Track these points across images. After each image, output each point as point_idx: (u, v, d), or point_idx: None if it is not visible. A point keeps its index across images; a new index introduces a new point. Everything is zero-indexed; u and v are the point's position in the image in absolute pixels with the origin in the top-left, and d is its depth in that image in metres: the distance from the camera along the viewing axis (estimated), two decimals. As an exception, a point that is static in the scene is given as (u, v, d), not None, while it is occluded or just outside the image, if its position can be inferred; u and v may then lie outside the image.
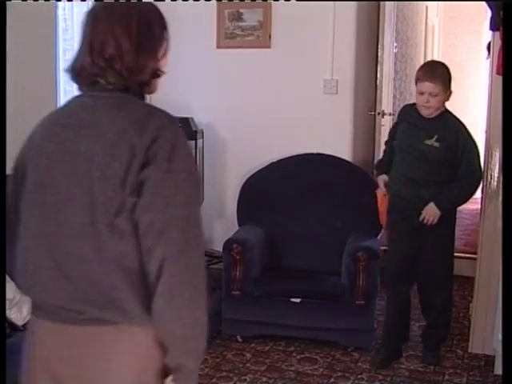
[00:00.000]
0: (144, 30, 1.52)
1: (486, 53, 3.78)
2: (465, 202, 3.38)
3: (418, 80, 3.23)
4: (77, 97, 1.54)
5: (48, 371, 1.48)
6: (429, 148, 3.22)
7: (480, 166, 3.28)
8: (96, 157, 1.39)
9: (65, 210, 1.42)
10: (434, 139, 3.21)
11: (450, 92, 3.24)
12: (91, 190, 1.39)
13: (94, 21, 1.49)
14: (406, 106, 3.57)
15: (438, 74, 3.19)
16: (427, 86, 3.16)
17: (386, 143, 3.61)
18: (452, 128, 3.26)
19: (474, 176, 3.27)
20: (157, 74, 1.56)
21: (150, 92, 1.57)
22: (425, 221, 3.25)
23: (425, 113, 3.25)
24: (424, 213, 3.24)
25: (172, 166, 1.37)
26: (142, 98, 1.53)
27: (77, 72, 1.50)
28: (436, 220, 3.24)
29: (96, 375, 1.43)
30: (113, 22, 1.47)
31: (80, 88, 1.52)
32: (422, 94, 3.20)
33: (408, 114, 3.38)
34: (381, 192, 3.49)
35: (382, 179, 3.47)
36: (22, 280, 1.55)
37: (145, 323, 1.39)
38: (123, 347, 1.42)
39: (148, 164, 1.36)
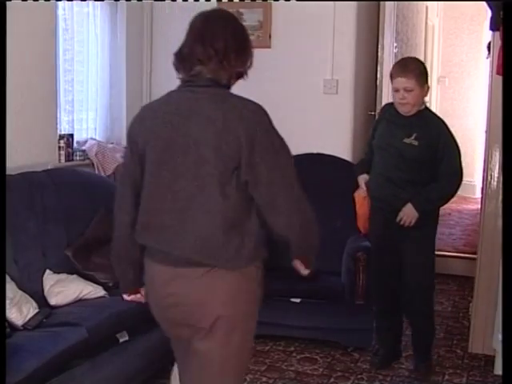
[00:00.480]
0: (244, 38, 2.04)
1: (487, 52, 3.75)
2: (444, 203, 3.28)
3: (391, 77, 3.16)
4: (176, 91, 1.97)
5: (165, 303, 1.99)
6: (407, 146, 3.13)
7: (461, 166, 3.17)
8: (207, 140, 1.84)
9: (179, 182, 1.88)
10: (413, 137, 3.12)
11: (428, 87, 3.15)
12: (204, 165, 1.84)
13: (206, 19, 1.97)
14: (386, 105, 3.47)
15: (410, 68, 3.10)
16: (400, 81, 3.08)
17: (369, 144, 3.49)
18: (432, 126, 3.15)
19: (454, 176, 3.15)
20: (241, 74, 2.06)
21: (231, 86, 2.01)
22: (401, 222, 3.15)
23: (402, 110, 3.15)
24: (401, 214, 3.14)
25: (272, 146, 1.88)
26: (229, 89, 1.98)
27: (184, 56, 1.93)
28: (413, 221, 3.14)
29: (200, 300, 1.93)
30: (223, 23, 1.96)
31: (179, 73, 1.96)
32: (397, 90, 3.12)
33: (388, 113, 3.30)
34: (360, 194, 3.39)
35: (362, 178, 3.36)
36: (148, 235, 1.98)
37: (239, 266, 1.90)
38: (220, 281, 1.90)
39: (253, 146, 1.82)
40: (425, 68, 3.18)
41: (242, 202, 1.89)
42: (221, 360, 2.00)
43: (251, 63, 2.08)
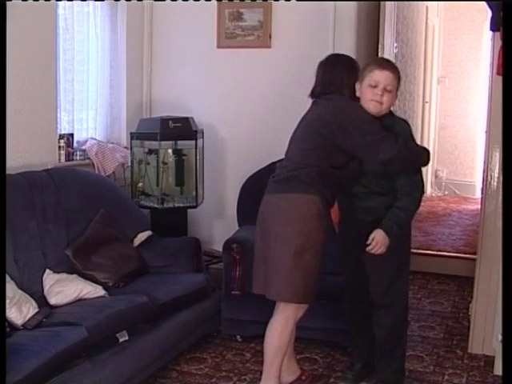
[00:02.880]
0: (350, 75, 2.90)
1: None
2: (411, 219, 2.96)
3: (372, 71, 2.78)
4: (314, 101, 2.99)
5: (260, 220, 3.01)
6: None
7: (420, 175, 2.90)
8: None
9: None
10: None
11: (396, 96, 2.88)
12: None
13: (326, 64, 3.00)
14: None
15: (394, 66, 2.87)
16: (386, 74, 2.75)
17: None
18: (393, 133, 2.81)
19: (415, 191, 2.88)
20: (354, 95, 2.88)
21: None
22: (373, 250, 2.85)
23: (374, 110, 2.78)
24: (371, 240, 2.84)
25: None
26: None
27: (314, 90, 2.98)
28: (385, 249, 2.83)
29: (282, 217, 2.84)
30: (335, 69, 2.95)
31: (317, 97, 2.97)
32: (375, 86, 2.76)
33: None
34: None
35: None
36: None
37: (311, 193, 2.79)
38: (296, 203, 2.82)
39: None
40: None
41: None
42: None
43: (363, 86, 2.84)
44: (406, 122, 3.02)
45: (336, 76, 2.91)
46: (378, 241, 2.84)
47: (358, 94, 2.86)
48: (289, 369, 3.15)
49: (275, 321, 2.96)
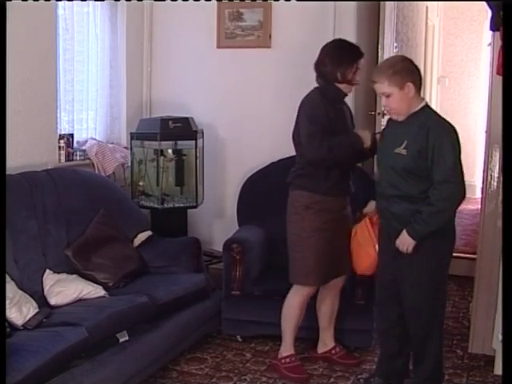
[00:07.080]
0: (340, 59, 3.15)
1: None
2: (445, 220, 2.82)
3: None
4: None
5: None
6: (397, 157, 2.78)
7: (458, 172, 2.77)
8: None
9: None
10: (403, 146, 2.75)
11: (413, 86, 2.74)
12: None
13: (323, 48, 3.26)
14: (389, 118, 3.07)
15: (381, 70, 2.80)
16: (375, 87, 2.80)
17: None
18: (423, 129, 2.72)
19: (444, 186, 2.72)
20: (347, 81, 3.15)
21: (346, 90, 3.20)
22: (400, 250, 2.83)
23: (392, 116, 2.87)
24: (397, 242, 2.83)
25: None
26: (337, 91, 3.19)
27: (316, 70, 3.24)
28: (411, 249, 2.78)
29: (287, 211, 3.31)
30: (325, 54, 3.22)
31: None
32: (380, 97, 2.88)
33: (390, 122, 3.00)
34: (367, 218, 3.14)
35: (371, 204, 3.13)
36: None
37: (300, 188, 3.26)
38: (290, 198, 3.30)
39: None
40: (404, 65, 2.78)
41: None
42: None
43: (355, 70, 3.15)
44: (450, 126, 2.80)
45: (322, 62, 3.20)
46: (400, 241, 2.83)
47: None
48: (322, 341, 3.51)
49: (289, 297, 3.36)
